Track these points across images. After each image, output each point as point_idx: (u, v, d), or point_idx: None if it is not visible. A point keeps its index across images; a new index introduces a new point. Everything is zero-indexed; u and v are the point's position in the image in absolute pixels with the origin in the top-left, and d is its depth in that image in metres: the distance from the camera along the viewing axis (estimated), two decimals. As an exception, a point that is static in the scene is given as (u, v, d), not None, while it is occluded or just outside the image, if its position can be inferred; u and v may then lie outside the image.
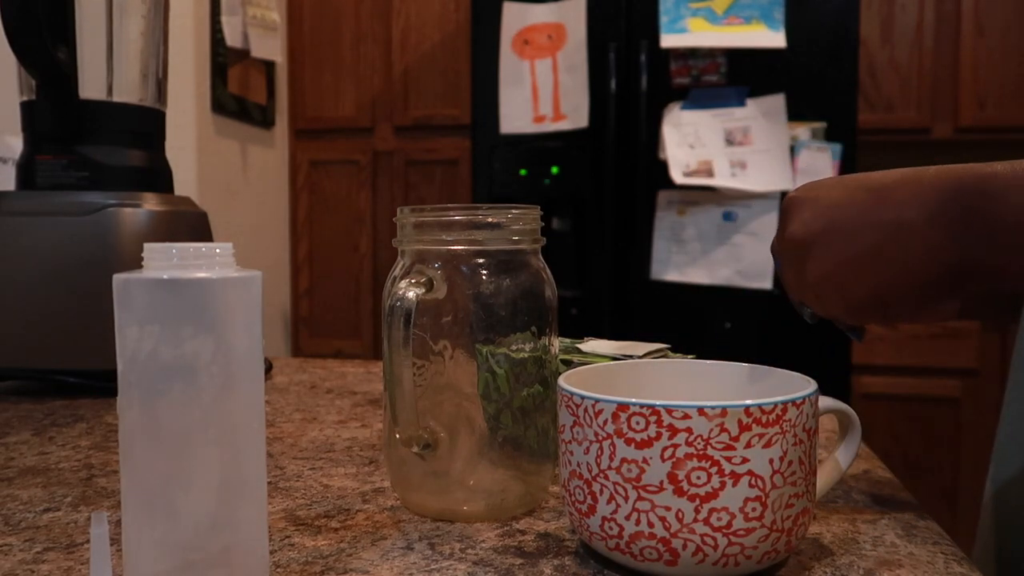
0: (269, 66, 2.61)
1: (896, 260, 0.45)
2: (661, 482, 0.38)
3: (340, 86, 2.75)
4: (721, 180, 1.95)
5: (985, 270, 0.44)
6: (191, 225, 0.92)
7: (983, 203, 0.42)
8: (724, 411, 0.38)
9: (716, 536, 0.38)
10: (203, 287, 0.35)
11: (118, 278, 0.35)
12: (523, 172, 2.12)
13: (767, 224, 1.98)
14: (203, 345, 0.35)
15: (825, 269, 0.47)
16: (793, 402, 0.39)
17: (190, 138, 2.23)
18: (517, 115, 2.11)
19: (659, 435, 0.38)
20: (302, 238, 2.82)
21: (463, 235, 0.47)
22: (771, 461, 0.38)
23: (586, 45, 2.05)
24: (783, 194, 1.97)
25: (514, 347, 0.47)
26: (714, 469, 0.38)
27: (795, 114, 1.98)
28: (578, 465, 0.41)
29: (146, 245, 0.36)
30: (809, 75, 1.98)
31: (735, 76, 2.01)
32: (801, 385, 0.43)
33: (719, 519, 0.38)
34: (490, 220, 0.47)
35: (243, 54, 2.45)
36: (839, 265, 0.47)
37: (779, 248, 0.52)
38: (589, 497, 0.41)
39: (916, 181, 0.45)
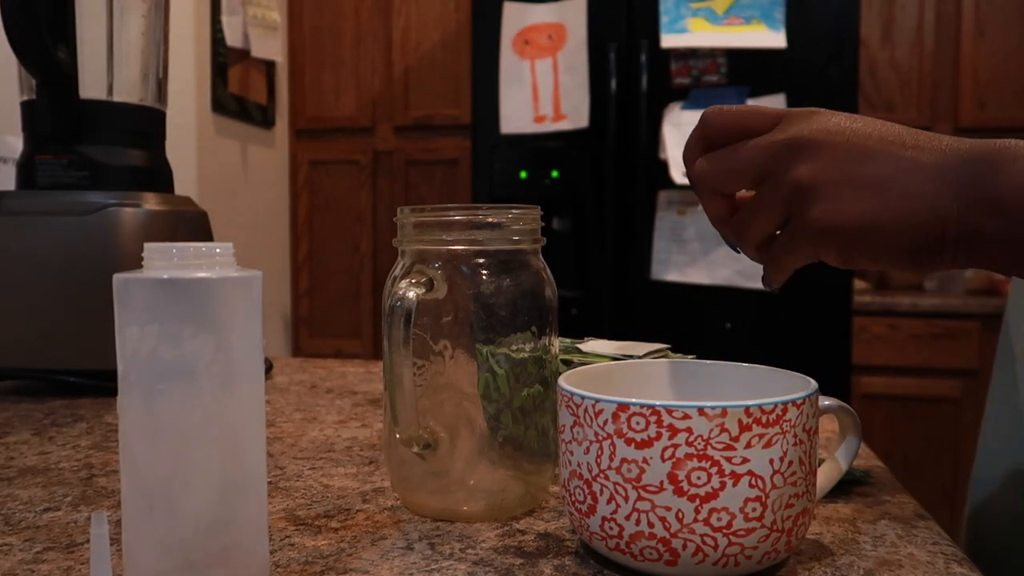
0: (269, 66, 2.61)
1: (900, 200, 0.42)
2: (661, 482, 0.38)
3: (340, 86, 2.75)
4: (721, 180, 1.95)
5: (985, 240, 0.42)
6: (191, 225, 0.92)
7: (991, 171, 0.41)
8: (724, 411, 0.38)
9: (716, 536, 0.38)
10: (203, 287, 0.35)
11: (118, 278, 0.35)
12: (523, 172, 2.12)
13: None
14: (203, 345, 0.35)
15: (826, 176, 0.44)
16: (793, 402, 0.39)
17: (190, 138, 2.23)
18: (517, 115, 2.11)
19: (659, 435, 0.38)
20: (302, 238, 2.82)
21: (463, 235, 0.47)
22: (771, 461, 0.38)
23: (586, 45, 2.05)
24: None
25: (514, 347, 0.47)
26: (714, 469, 0.38)
27: (795, 114, 1.97)
28: (578, 465, 0.41)
29: (146, 245, 0.35)
30: (809, 75, 1.98)
31: (735, 76, 2.01)
32: (801, 385, 0.43)
33: (719, 519, 0.38)
34: (490, 220, 0.47)
35: (243, 54, 2.45)
36: (843, 179, 0.43)
37: (768, 141, 0.46)
38: (589, 497, 0.41)
39: (937, 141, 0.43)
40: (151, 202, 0.87)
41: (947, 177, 0.42)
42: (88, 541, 0.45)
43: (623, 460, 0.39)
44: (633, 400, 0.39)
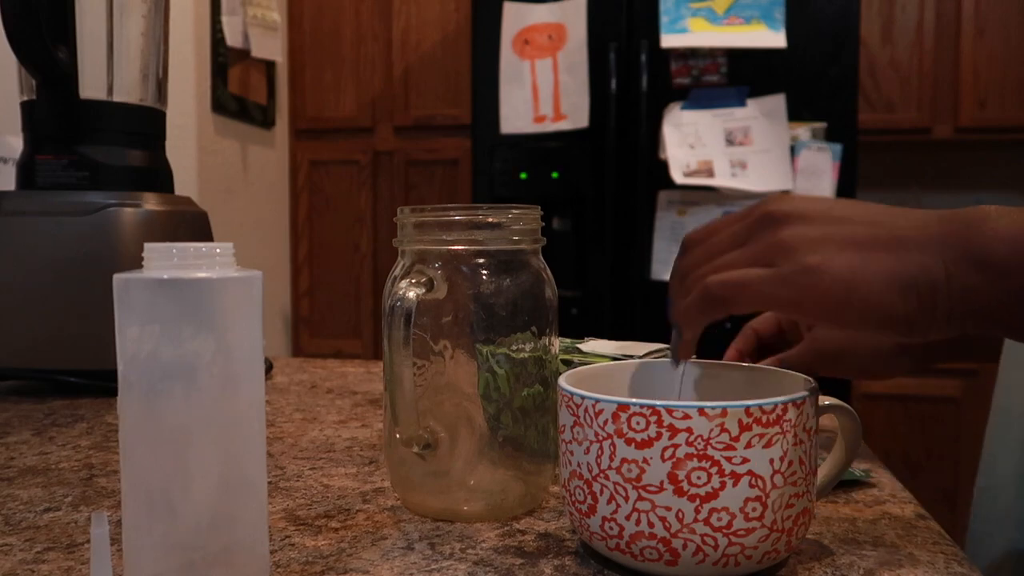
0: (269, 66, 2.61)
1: (885, 255, 0.41)
2: (661, 482, 0.38)
3: (340, 86, 2.75)
4: (721, 180, 1.95)
5: (978, 297, 0.40)
6: (191, 225, 0.92)
7: (973, 229, 0.41)
8: (724, 411, 0.38)
9: (716, 536, 0.38)
10: (203, 287, 0.35)
11: (118, 278, 0.35)
12: (523, 172, 2.12)
13: (767, 224, 1.98)
14: (203, 345, 0.35)
15: (807, 235, 0.42)
16: (793, 402, 0.39)
17: (190, 138, 2.23)
18: (517, 115, 2.11)
19: (659, 435, 0.38)
20: (302, 238, 2.82)
21: (463, 235, 0.47)
22: (771, 461, 0.38)
23: (586, 45, 2.05)
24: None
25: (514, 347, 0.47)
26: (714, 469, 0.38)
27: (795, 114, 1.98)
28: (578, 465, 0.41)
29: (146, 245, 0.35)
30: (809, 75, 1.98)
31: (735, 76, 2.01)
32: (801, 385, 0.43)
33: (719, 519, 0.38)
34: (490, 220, 0.47)
35: (243, 54, 2.45)
36: (823, 237, 0.42)
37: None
38: (589, 497, 0.41)
39: (912, 211, 0.43)
40: (151, 202, 0.87)
41: (930, 233, 0.41)
42: (88, 541, 0.45)
43: (623, 460, 0.39)
44: (633, 400, 0.39)
